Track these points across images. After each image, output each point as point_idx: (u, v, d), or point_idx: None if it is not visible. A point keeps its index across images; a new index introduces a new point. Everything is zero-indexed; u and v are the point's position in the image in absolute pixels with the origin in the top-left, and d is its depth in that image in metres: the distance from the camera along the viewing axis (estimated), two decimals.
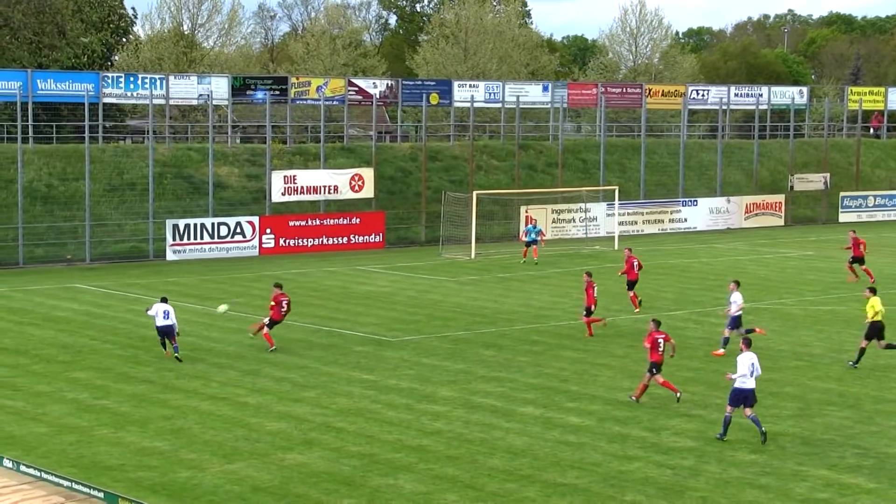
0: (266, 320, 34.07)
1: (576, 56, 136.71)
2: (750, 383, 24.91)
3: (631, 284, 41.21)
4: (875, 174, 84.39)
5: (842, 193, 77.74)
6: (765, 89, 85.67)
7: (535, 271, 51.60)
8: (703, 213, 71.08)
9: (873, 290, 32.99)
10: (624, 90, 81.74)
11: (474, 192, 58.38)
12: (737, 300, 34.23)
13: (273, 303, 33.96)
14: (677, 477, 22.31)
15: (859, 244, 48.43)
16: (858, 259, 48.61)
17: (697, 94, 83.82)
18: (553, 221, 64.57)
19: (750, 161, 77.78)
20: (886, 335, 32.63)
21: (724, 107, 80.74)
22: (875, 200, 78.84)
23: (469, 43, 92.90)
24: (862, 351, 32.22)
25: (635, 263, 41.18)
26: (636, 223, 68.01)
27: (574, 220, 65.27)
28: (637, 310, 40.41)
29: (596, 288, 36.14)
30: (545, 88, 76.92)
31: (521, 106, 72.37)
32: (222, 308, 35.18)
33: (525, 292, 45.22)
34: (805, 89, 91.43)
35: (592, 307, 36.07)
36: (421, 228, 63.78)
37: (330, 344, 34.90)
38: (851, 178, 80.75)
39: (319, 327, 37.54)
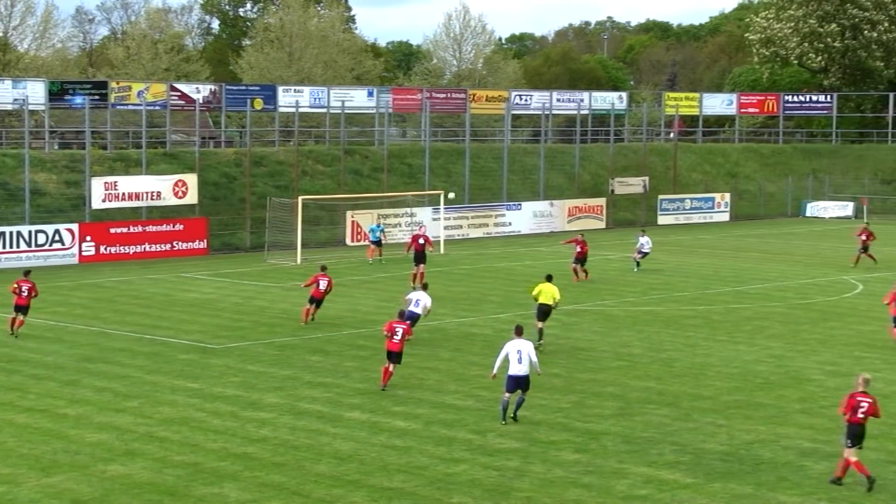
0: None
1: (400, 61, 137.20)
2: (522, 370, 25.95)
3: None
4: (691, 177, 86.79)
5: (660, 196, 79.74)
6: (585, 95, 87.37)
7: (361, 276, 51.57)
8: (526, 217, 72.05)
9: None
10: (448, 95, 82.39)
11: (300, 198, 58.07)
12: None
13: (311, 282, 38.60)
14: (503, 478, 22.55)
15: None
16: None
17: (520, 99, 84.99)
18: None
19: (572, 165, 79.16)
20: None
21: (547, 112, 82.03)
22: (691, 203, 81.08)
23: (293, 48, 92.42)
24: None
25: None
26: (461, 227, 68.58)
27: (400, 225, 65.45)
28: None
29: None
30: (370, 93, 77.03)
31: (346, 111, 72.38)
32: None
33: (351, 297, 45.15)
34: (624, 95, 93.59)
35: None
36: (246, 234, 63.16)
37: (153, 352, 34.29)
38: (669, 182, 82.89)
39: (142, 335, 36.86)
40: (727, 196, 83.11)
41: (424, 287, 36.71)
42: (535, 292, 35.57)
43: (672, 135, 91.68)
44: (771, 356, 34.27)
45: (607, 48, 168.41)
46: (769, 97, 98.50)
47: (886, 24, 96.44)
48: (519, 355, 26.20)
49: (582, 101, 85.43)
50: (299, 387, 29.98)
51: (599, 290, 47.21)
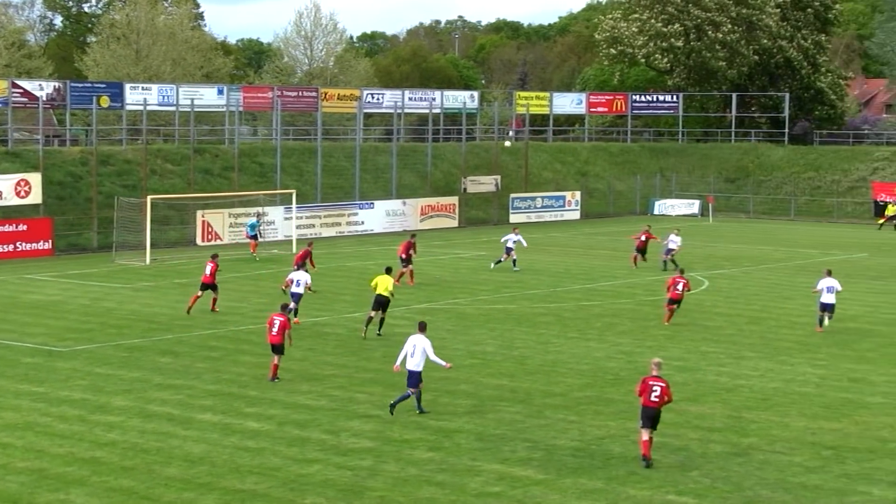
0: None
1: (251, 59, 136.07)
2: (414, 365, 26.70)
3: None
4: (542, 176, 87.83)
5: (512, 195, 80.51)
6: (437, 93, 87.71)
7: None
8: (379, 216, 72.05)
9: None
10: (300, 94, 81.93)
11: (148, 197, 57.16)
12: None
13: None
14: (356, 478, 22.53)
15: None
16: None
17: (372, 97, 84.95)
18: (230, 226, 63.99)
19: (424, 164, 79.44)
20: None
21: (399, 110, 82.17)
22: (542, 201, 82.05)
23: (141, 44, 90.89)
24: None
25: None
26: (314, 226, 68.25)
27: None
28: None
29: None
30: (220, 91, 76.19)
31: (195, 109, 71.44)
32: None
33: (203, 298, 44.55)
34: (475, 94, 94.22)
35: None
36: (93, 234, 61.93)
37: None
38: (521, 180, 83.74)
39: None
40: (578, 194, 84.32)
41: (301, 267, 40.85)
42: (373, 283, 37.04)
43: (510, 133, 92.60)
44: (621, 352, 34.87)
45: (458, 47, 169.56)
46: (618, 97, 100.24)
47: (729, 26, 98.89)
48: (413, 350, 26.95)
49: (434, 99, 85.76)
50: (149, 389, 29.52)
51: (452, 289, 47.47)
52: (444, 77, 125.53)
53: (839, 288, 39.08)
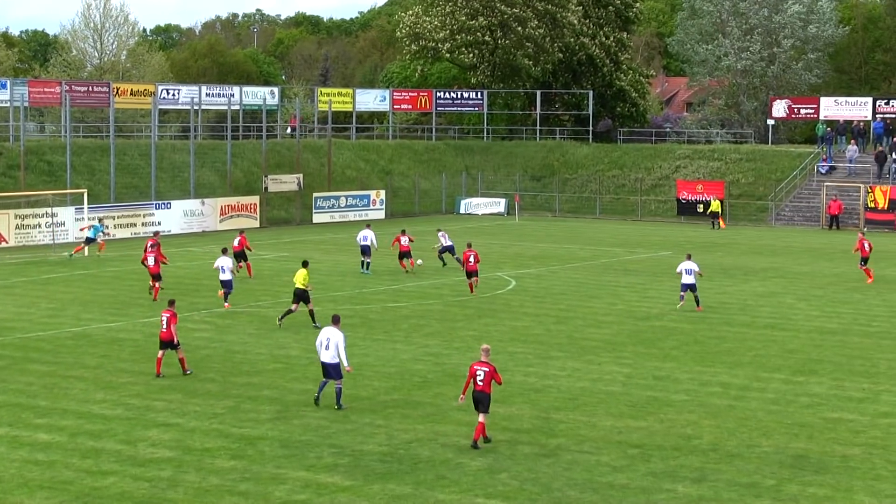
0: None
1: (36, 52, 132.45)
2: (327, 357, 27.95)
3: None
4: (346, 174, 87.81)
5: (315, 194, 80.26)
6: (236, 89, 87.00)
7: None
8: (177, 216, 70.94)
9: None
10: (90, 89, 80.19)
11: None
12: None
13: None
14: (155, 489, 22.14)
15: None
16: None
17: (168, 93, 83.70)
18: (17, 227, 62.14)
19: (224, 162, 78.59)
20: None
21: (196, 107, 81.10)
22: (347, 201, 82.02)
23: None
24: None
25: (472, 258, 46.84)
26: (108, 227, 66.69)
27: (40, 226, 63.13)
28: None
29: None
30: (3, 86, 73.97)
31: None
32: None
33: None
34: (276, 89, 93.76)
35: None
36: None
37: None
38: (324, 179, 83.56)
39: None
40: (382, 193, 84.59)
41: (224, 251, 43.70)
42: (294, 277, 39.30)
43: (288, 130, 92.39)
44: (428, 354, 35.11)
45: (257, 41, 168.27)
46: (422, 93, 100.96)
47: (536, 22, 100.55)
48: (327, 342, 27.97)
49: (233, 95, 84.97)
50: None
51: (254, 291, 47.08)
52: (244, 72, 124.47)
53: (697, 269, 43.29)
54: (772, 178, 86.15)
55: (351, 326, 39.63)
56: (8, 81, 75.32)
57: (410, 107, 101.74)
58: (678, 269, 43.88)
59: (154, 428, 26.34)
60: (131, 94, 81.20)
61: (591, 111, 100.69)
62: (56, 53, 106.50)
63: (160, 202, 71.01)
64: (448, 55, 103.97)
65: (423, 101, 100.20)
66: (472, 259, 46.65)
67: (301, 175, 79.83)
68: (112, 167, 70.94)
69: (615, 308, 44.08)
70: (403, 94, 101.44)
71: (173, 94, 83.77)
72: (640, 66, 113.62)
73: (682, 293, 43.43)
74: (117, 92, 78.81)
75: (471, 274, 46.71)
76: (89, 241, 57.02)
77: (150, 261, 44.77)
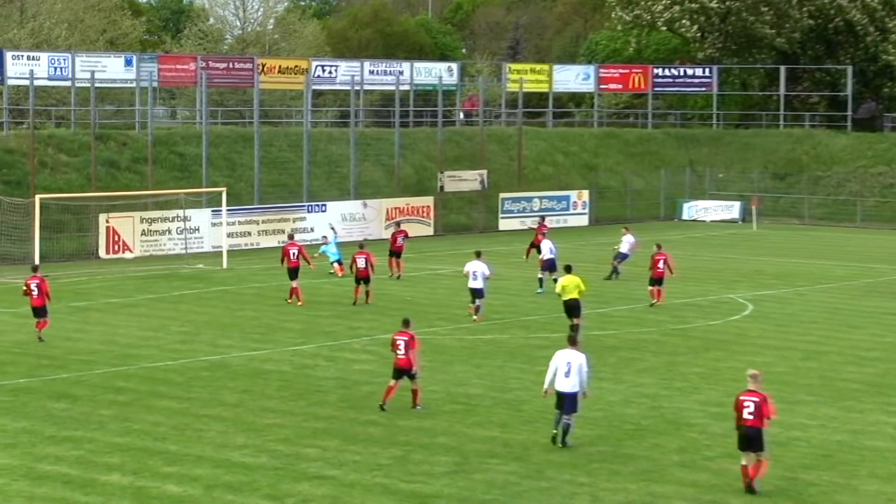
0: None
1: (168, 22, 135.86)
2: (565, 386, 28.91)
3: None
4: (540, 170, 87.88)
5: (501, 195, 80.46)
6: (406, 65, 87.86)
7: (119, 298, 50.82)
8: (333, 221, 71.73)
9: None
10: (231, 65, 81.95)
11: (37, 197, 56.92)
12: None
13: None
14: None
15: None
16: None
17: (324, 70, 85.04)
18: (143, 234, 63.83)
19: (390, 155, 79.37)
20: None
21: (358, 87, 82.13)
22: (541, 203, 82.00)
23: (25, 2, 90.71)
24: None
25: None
26: (250, 234, 68.10)
27: (170, 232, 64.71)
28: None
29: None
30: (129, 62, 76.09)
31: (97, 84, 71.21)
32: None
33: (107, 325, 44.43)
34: (455, 66, 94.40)
35: None
36: None
37: None
38: (513, 176, 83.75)
39: None
40: (586, 194, 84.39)
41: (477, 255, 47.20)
42: (558, 288, 42.06)
43: (462, 116, 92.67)
44: (642, 395, 34.83)
45: (432, 7, 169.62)
46: (635, 70, 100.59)
47: None
48: (568, 367, 29.09)
49: (402, 73, 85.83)
50: (39, 443, 29.34)
51: (426, 314, 47.38)
52: (415, 44, 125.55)
53: None
54: None
55: (545, 360, 39.43)
56: (134, 57, 77.47)
57: (621, 87, 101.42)
58: None
59: (305, 481, 26.66)
60: (279, 71, 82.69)
61: (849, 92, 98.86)
62: (191, 23, 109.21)
63: (313, 203, 72.05)
64: (665, 27, 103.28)
65: (636, 79, 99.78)
66: (661, 264, 49.43)
67: (485, 171, 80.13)
68: (256, 161, 72.24)
69: (882, 341, 43.09)
70: (612, 70, 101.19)
71: (330, 72, 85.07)
72: None
73: None
74: (263, 69, 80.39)
75: (656, 281, 49.74)
76: (339, 261, 57.90)
77: (360, 263, 49.22)
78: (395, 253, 57.31)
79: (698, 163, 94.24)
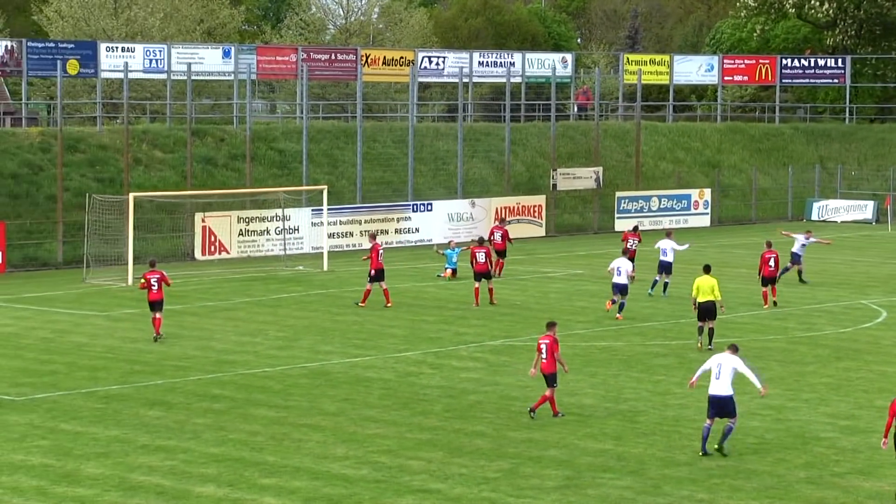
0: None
1: (267, 10, 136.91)
2: (718, 389, 29.61)
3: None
4: (660, 168, 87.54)
5: (618, 194, 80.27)
6: (518, 56, 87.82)
7: (216, 301, 51.33)
8: (440, 221, 72.10)
9: None
10: (333, 57, 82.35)
11: (131, 195, 57.58)
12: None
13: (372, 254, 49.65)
14: None
15: None
16: None
17: (430, 62, 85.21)
18: (241, 234, 64.38)
19: (500, 151, 79.43)
20: None
21: (466, 79, 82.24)
22: (660, 202, 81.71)
23: None
24: None
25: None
26: (352, 235, 68.46)
27: (269, 232, 65.20)
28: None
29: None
30: (227, 54, 76.74)
31: (193, 77, 71.92)
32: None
33: (203, 330, 44.88)
34: (569, 56, 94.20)
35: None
36: (57, 245, 62.56)
37: None
38: (630, 174, 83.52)
39: None
40: (707, 193, 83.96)
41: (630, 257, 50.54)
42: (693, 291, 42.02)
43: (575, 109, 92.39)
44: (768, 407, 34.62)
45: None
46: (762, 61, 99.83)
47: None
48: (718, 369, 29.73)
49: (513, 65, 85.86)
50: (131, 452, 29.72)
51: (537, 319, 47.38)
52: (527, 34, 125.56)
53: None
54: None
55: (663, 368, 39.52)
56: (232, 48, 78.11)
57: (746, 78, 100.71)
58: None
59: (409, 495, 26.80)
60: (384, 63, 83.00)
61: None
62: (291, 12, 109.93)
63: (419, 202, 72.28)
64: (795, 11, 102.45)
65: (763, 70, 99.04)
66: (771, 263, 50.36)
67: (600, 168, 80.00)
68: (359, 157, 72.60)
69: None
70: (737, 61, 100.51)
71: (437, 64, 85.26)
72: None
73: None
74: (367, 60, 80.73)
75: (768, 280, 50.53)
76: (454, 271, 58.02)
77: (479, 257, 50.40)
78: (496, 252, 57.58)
79: (829, 159, 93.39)
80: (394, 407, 34.24)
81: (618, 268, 47.64)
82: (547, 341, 32.99)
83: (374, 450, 30.06)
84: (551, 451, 30.16)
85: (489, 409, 33.99)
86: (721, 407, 29.68)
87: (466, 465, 28.76)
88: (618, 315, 47.41)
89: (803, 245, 56.62)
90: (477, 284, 50.19)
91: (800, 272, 56.66)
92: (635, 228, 59.89)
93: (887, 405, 34.86)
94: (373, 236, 53.52)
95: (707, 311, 41.79)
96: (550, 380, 32.86)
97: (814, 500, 26.71)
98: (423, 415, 33.32)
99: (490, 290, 50.32)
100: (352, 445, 30.39)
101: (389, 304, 49.62)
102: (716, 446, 29.52)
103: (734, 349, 30.20)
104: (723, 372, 29.62)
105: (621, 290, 47.51)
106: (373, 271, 49.87)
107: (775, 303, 50.24)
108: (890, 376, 38.58)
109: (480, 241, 52.46)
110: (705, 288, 41.72)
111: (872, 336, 45.15)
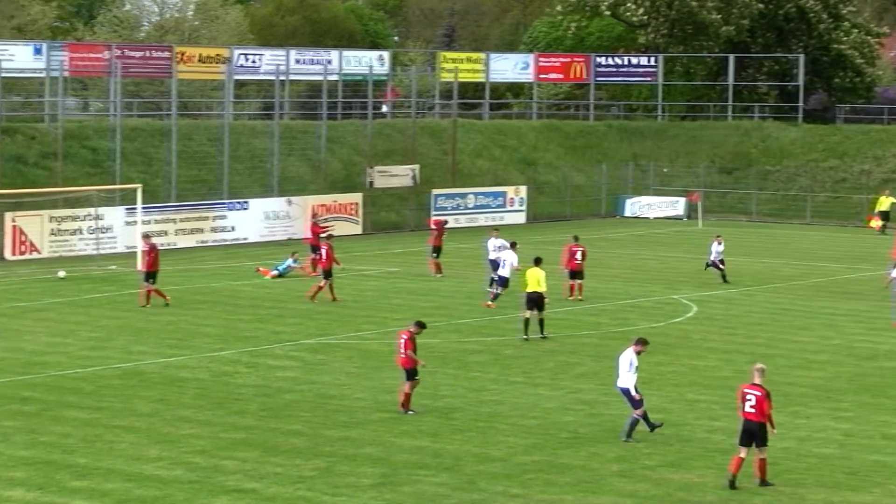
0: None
1: (80, 7, 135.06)
2: (622, 382, 31.08)
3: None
4: (476, 165, 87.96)
5: (434, 191, 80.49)
6: (335, 54, 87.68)
7: (26, 302, 50.51)
8: (256, 219, 71.74)
9: None
10: (147, 54, 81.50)
11: None
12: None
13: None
14: None
15: None
16: None
17: (247, 59, 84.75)
18: (52, 233, 63.41)
19: (317, 149, 79.23)
20: None
21: (283, 77, 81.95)
22: (475, 200, 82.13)
23: None
24: None
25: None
26: (167, 234, 67.76)
27: (81, 231, 64.34)
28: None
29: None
30: (37, 51, 75.55)
31: (3, 74, 70.70)
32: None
33: (13, 331, 44.15)
34: (386, 54, 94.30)
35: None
36: None
37: None
38: (446, 172, 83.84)
39: None
40: (523, 190, 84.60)
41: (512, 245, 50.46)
42: (522, 283, 43.92)
43: (384, 108, 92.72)
44: (581, 402, 34.99)
45: None
46: (576, 59, 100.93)
47: None
48: (629, 365, 31.21)
49: (330, 62, 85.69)
50: None
51: (354, 318, 47.42)
52: (345, 32, 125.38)
53: None
54: None
55: (479, 365, 39.74)
56: (44, 45, 76.87)
57: (561, 76, 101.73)
58: (892, 274, 46.06)
59: (223, 495, 26.63)
60: (200, 60, 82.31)
61: (801, 82, 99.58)
62: (105, 9, 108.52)
63: (235, 201, 71.86)
64: (609, 12, 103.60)
65: (577, 68, 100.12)
66: (578, 256, 51.49)
67: (417, 167, 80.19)
68: (174, 155, 71.98)
69: (831, 343, 43.48)
70: (552, 59, 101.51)
71: (253, 61, 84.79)
72: (869, 23, 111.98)
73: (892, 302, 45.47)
74: (182, 58, 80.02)
75: (575, 274, 51.49)
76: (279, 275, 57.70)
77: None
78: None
79: (642, 157, 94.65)
80: (208, 407, 34.00)
81: (503, 260, 49.69)
82: (405, 336, 33.59)
83: (188, 450, 29.82)
84: (367, 449, 30.17)
85: (305, 408, 33.92)
86: (628, 398, 31.29)
87: (282, 465, 28.66)
88: (490, 303, 49.44)
89: (718, 251, 56.90)
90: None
91: (723, 274, 56.83)
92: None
93: (697, 398, 35.59)
94: (146, 236, 53.63)
95: (533, 301, 43.14)
96: (408, 373, 33.48)
97: (626, 492, 27.05)
98: (238, 414, 33.14)
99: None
100: (166, 446, 30.11)
101: (145, 305, 49.20)
102: (624, 439, 30.77)
103: (638, 343, 31.65)
104: (623, 365, 31.20)
105: (502, 282, 49.48)
106: (144, 272, 50.13)
107: (580, 299, 50.88)
108: (700, 370, 39.24)
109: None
110: (533, 279, 43.34)
111: (683, 330, 45.84)
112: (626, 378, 31.01)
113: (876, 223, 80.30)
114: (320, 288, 50.62)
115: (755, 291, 55.36)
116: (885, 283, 49.90)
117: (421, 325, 34.23)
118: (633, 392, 31.00)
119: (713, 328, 46.33)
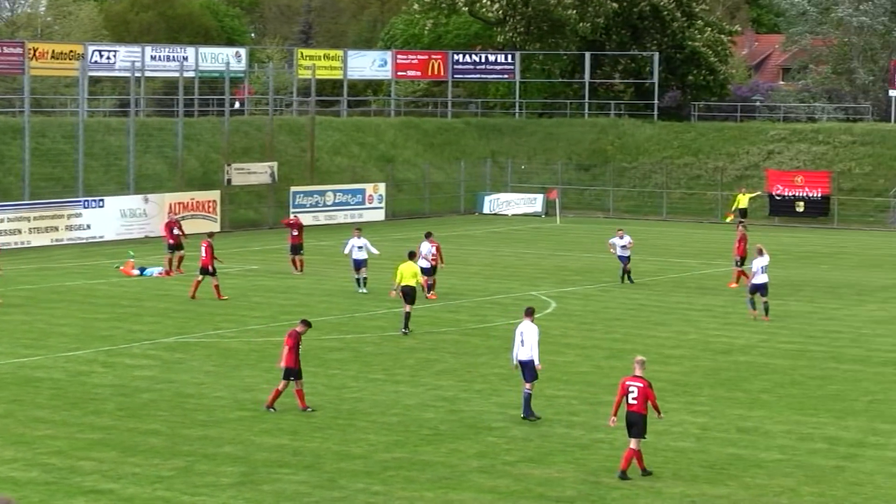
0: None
1: None
2: (523, 354, 32.38)
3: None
4: (334, 162, 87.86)
5: (293, 188, 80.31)
6: (190, 51, 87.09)
7: None
8: (112, 217, 71.11)
9: None
10: None
11: None
12: None
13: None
14: None
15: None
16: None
17: (101, 56, 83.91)
18: None
19: (173, 146, 78.75)
20: None
21: (138, 73, 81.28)
22: (335, 197, 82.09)
23: None
24: None
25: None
26: (20, 232, 66.95)
27: None
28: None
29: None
30: None
31: None
32: None
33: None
34: (243, 51, 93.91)
35: None
36: None
37: None
38: (305, 169, 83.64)
39: None
40: (382, 187, 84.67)
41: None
42: (397, 277, 44.40)
43: (237, 105, 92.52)
44: (441, 399, 35.07)
45: None
46: (434, 56, 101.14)
47: None
48: (521, 337, 32.56)
49: (186, 59, 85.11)
50: None
51: (213, 316, 47.14)
52: (201, 29, 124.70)
53: (766, 263, 46.81)
54: (894, 168, 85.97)
55: (339, 362, 39.69)
56: None
57: (419, 74, 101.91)
58: (753, 268, 46.99)
59: (80, 496, 26.36)
60: (52, 56, 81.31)
61: (656, 80, 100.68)
62: None
63: (90, 199, 71.18)
64: (466, 9, 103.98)
65: (435, 66, 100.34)
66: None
67: (275, 164, 79.95)
68: (26, 153, 71.14)
69: (687, 338, 43.98)
70: (410, 57, 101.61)
71: (108, 58, 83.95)
72: (722, 21, 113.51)
73: (748, 296, 47.23)
74: (34, 54, 79.01)
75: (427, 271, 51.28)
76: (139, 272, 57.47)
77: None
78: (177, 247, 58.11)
79: (500, 154, 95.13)
80: (64, 407, 33.61)
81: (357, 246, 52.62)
82: (293, 336, 33.66)
83: (43, 451, 29.48)
84: (227, 448, 30.02)
85: (163, 408, 33.66)
86: (523, 369, 32.47)
87: (140, 465, 28.43)
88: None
89: (623, 246, 56.39)
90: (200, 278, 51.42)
91: (628, 272, 56.55)
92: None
93: (556, 394, 35.83)
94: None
95: (408, 295, 44.07)
96: (292, 373, 33.46)
97: (486, 488, 27.15)
98: (94, 414, 32.81)
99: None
100: (20, 447, 29.73)
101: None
102: (522, 416, 32.27)
103: (529, 312, 33.06)
104: (525, 339, 32.33)
105: (361, 263, 52.55)
106: None
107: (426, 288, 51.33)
108: (559, 366, 39.45)
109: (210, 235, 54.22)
110: (408, 273, 44.36)
111: (542, 328, 45.96)
112: (530, 350, 32.31)
113: (730, 219, 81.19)
114: (199, 283, 51.04)
115: (612, 288, 55.81)
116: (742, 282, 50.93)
117: (307, 324, 34.17)
118: (537, 363, 32.34)
119: (571, 324, 46.65)
